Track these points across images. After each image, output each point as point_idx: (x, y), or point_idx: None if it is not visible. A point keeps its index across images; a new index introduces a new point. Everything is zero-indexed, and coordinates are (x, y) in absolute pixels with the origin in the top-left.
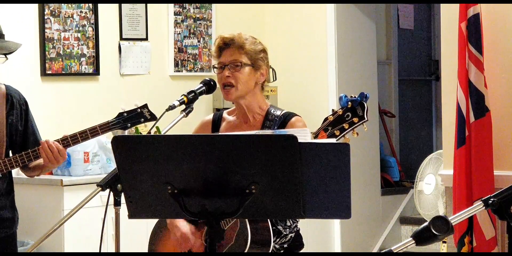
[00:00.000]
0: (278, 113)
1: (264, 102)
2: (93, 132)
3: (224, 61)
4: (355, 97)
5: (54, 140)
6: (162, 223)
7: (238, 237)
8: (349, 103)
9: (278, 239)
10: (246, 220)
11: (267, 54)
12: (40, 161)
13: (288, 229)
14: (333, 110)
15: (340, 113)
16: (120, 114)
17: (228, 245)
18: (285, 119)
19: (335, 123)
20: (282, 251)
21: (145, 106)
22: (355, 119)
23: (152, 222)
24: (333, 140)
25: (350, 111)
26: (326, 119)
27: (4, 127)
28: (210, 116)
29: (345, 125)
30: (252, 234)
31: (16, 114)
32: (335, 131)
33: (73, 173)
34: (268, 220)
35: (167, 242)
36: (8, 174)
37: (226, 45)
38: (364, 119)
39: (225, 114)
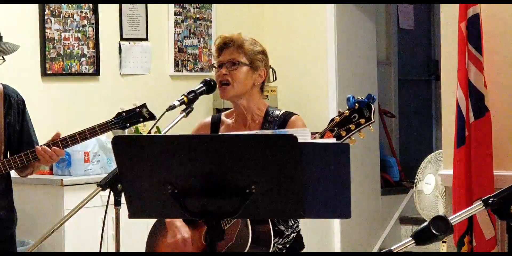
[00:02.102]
0: (277, 113)
1: (263, 103)
2: (92, 132)
3: (222, 60)
4: (362, 98)
5: (53, 141)
6: (160, 226)
7: (239, 236)
8: (356, 104)
9: (280, 239)
10: (248, 220)
11: (267, 56)
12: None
13: (290, 229)
14: (339, 111)
15: (347, 114)
16: (119, 114)
17: (228, 244)
18: (285, 118)
19: (341, 124)
20: (284, 251)
21: (144, 105)
22: (362, 121)
23: (152, 222)
24: (333, 140)
25: (357, 113)
26: (332, 120)
27: (2, 127)
28: (208, 119)
29: (352, 126)
30: (252, 234)
31: (14, 114)
32: (341, 132)
33: (74, 173)
34: (270, 221)
35: (166, 245)
36: (6, 174)
37: (225, 44)
38: (371, 120)
39: (223, 117)
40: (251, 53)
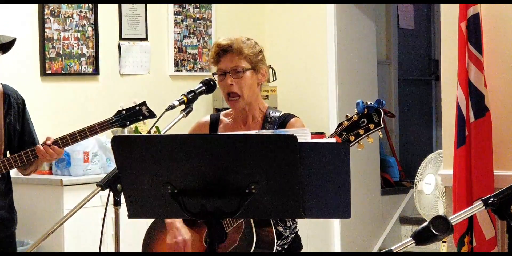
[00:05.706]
0: (277, 114)
1: (263, 103)
2: (92, 130)
3: (224, 68)
4: (371, 103)
5: (53, 139)
6: (159, 224)
7: (243, 239)
8: (366, 109)
9: (279, 241)
10: (252, 223)
11: (263, 53)
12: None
13: (288, 230)
14: (347, 116)
15: (355, 119)
16: (119, 112)
17: (232, 246)
18: (284, 120)
19: (350, 129)
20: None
21: (144, 103)
22: (371, 126)
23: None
24: (333, 140)
25: (366, 117)
26: (340, 124)
27: (2, 127)
28: (207, 117)
29: (361, 131)
30: (257, 237)
31: (13, 113)
32: (350, 137)
33: (73, 173)
34: (272, 224)
35: (165, 246)
36: (6, 174)
37: (224, 51)
38: (380, 125)
39: (222, 116)
40: (252, 57)
